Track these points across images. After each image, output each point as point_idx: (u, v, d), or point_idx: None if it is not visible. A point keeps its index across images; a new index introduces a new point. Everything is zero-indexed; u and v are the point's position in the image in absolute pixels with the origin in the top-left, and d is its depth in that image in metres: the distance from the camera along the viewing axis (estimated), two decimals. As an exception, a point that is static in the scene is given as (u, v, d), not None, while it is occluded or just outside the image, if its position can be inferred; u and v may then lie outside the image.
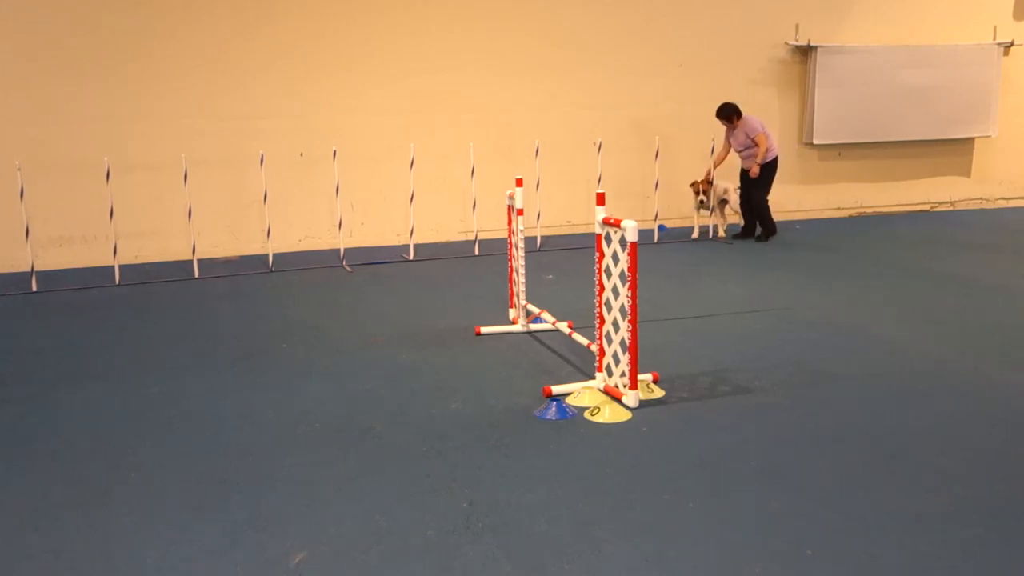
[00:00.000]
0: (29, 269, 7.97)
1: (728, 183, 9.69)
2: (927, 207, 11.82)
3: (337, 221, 9.05)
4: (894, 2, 11.18)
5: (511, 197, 5.75)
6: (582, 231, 10.32)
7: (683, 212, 10.19)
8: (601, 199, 4.45)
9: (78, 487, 3.53)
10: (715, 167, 9.61)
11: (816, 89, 10.86)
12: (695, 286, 7.22)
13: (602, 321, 4.45)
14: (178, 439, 4.04)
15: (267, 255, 8.77)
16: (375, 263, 8.72)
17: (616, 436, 3.93)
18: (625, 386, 4.26)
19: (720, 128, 9.54)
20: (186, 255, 8.75)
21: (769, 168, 9.26)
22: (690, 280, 7.49)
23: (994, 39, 11.49)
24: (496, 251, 8.94)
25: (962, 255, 8.36)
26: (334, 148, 8.76)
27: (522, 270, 5.75)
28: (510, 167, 9.44)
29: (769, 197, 9.42)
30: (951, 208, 11.91)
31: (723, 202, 9.76)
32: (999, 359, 4.93)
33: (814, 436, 3.86)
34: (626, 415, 4.14)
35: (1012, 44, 11.54)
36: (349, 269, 8.43)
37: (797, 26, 10.81)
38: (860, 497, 3.24)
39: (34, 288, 7.77)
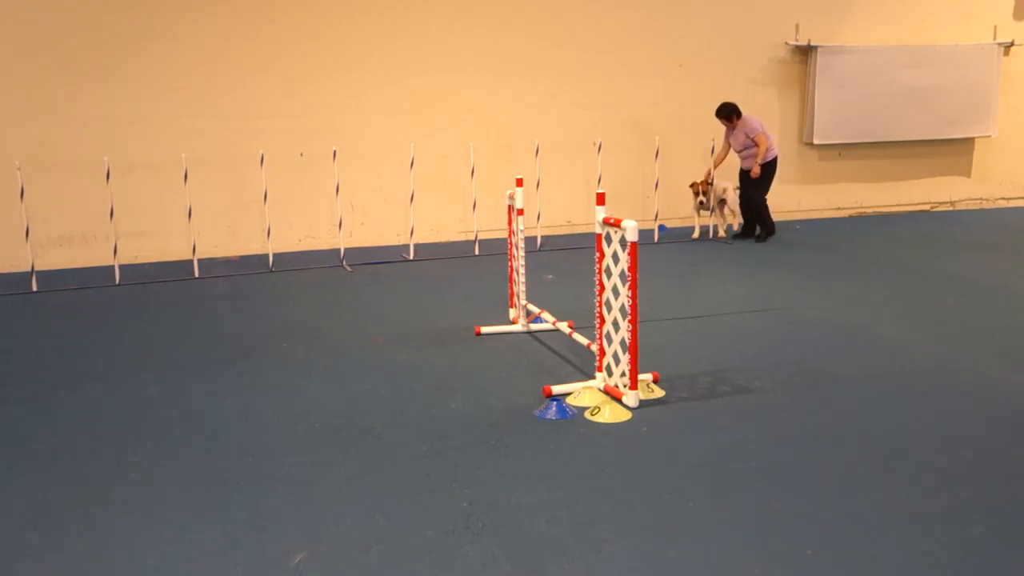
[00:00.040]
0: (29, 269, 7.97)
1: (727, 183, 9.69)
2: (927, 207, 11.82)
3: (337, 221, 9.05)
4: (894, 2, 11.18)
5: (511, 197, 5.75)
6: (582, 231, 10.31)
7: (683, 212, 10.19)
8: (601, 199, 4.45)
9: (78, 487, 3.53)
10: (715, 167, 9.61)
11: (816, 89, 10.86)
12: (695, 286, 7.22)
13: (602, 321, 4.45)
14: (178, 439, 4.04)
15: (267, 255, 8.77)
16: (375, 263, 8.72)
17: (616, 436, 3.93)
18: (625, 386, 4.26)
19: (720, 128, 9.54)
20: (186, 255, 8.75)
21: (769, 168, 9.26)
22: (690, 280, 7.49)
23: (994, 39, 11.49)
24: (496, 251, 8.94)
25: (962, 255, 8.36)
26: (334, 148, 8.76)
27: (522, 270, 5.75)
28: (510, 167, 9.44)
29: (769, 197, 9.42)
30: (951, 208, 11.91)
31: (721, 202, 9.76)
32: (999, 359, 4.93)
33: (814, 436, 3.86)
34: (626, 415, 4.14)
35: (1012, 44, 11.53)
36: (349, 269, 8.43)
37: (797, 26, 10.81)
38: (860, 497, 3.24)
39: (34, 288, 7.77)
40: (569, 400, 4.33)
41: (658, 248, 9.25)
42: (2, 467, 3.77)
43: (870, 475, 3.44)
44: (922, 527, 3.00)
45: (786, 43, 10.83)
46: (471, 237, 9.66)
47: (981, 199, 12.04)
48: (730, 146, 9.53)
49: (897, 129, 11.27)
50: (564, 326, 5.41)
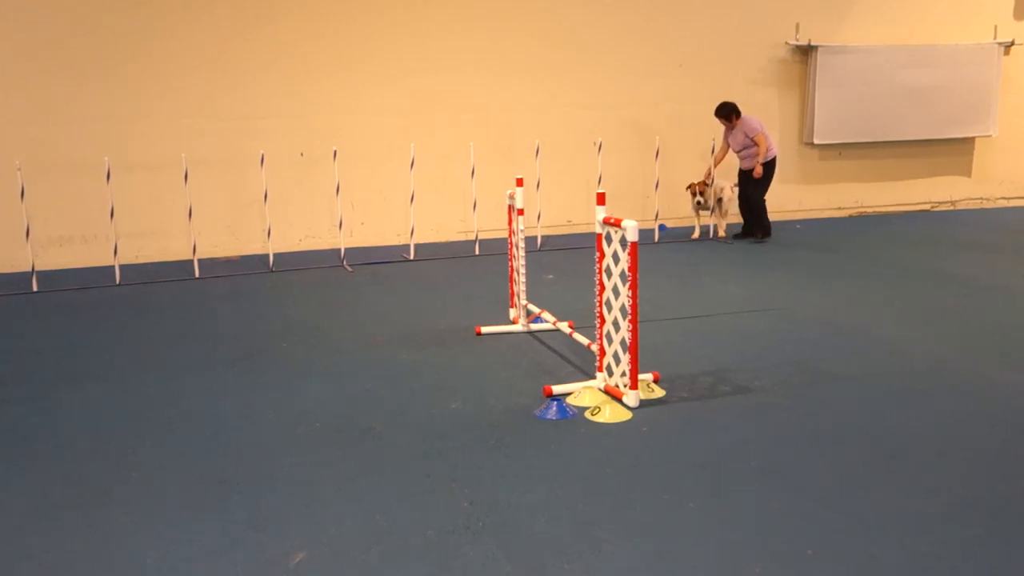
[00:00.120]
0: (30, 269, 7.97)
1: (725, 182, 9.69)
2: (927, 207, 11.82)
3: (337, 221, 9.05)
4: (894, 2, 11.18)
5: (511, 197, 5.75)
6: (582, 231, 10.32)
7: (683, 212, 10.19)
8: (601, 199, 4.45)
9: (78, 487, 3.54)
10: (715, 165, 9.60)
11: (816, 89, 10.86)
12: (695, 286, 7.22)
13: (602, 321, 4.45)
14: (178, 439, 4.04)
15: (267, 255, 8.78)
16: (375, 263, 8.72)
17: (616, 436, 3.93)
18: (625, 386, 4.26)
19: (720, 127, 9.54)
20: (186, 255, 8.75)
21: (768, 168, 9.25)
22: (690, 280, 7.49)
23: (994, 39, 11.49)
24: (496, 251, 8.94)
25: (962, 255, 8.36)
26: (334, 148, 8.76)
27: (522, 270, 5.75)
28: (510, 167, 9.44)
29: (769, 197, 9.42)
30: (951, 208, 11.91)
31: (719, 200, 9.75)
32: (999, 359, 4.93)
33: (814, 436, 3.86)
34: (626, 415, 4.14)
35: (1012, 44, 11.53)
36: (349, 269, 8.43)
37: (797, 26, 10.81)
38: (860, 497, 3.24)
39: (35, 288, 7.77)
40: (569, 400, 4.33)
41: (658, 248, 9.25)
42: (2, 467, 3.77)
43: (870, 475, 3.44)
44: (922, 527, 3.00)
45: (786, 43, 10.83)
46: (471, 237, 9.66)
47: (981, 199, 12.04)
48: (729, 146, 9.53)
49: (897, 129, 11.27)
50: (564, 326, 5.41)
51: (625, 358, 4.23)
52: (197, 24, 9.04)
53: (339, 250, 8.93)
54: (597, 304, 4.48)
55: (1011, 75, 11.64)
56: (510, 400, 4.42)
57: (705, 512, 3.15)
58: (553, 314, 5.74)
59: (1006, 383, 4.52)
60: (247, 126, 9.26)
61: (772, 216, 9.66)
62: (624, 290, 4.18)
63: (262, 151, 8.61)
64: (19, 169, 7.82)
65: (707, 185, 9.56)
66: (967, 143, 11.82)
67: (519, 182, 5.69)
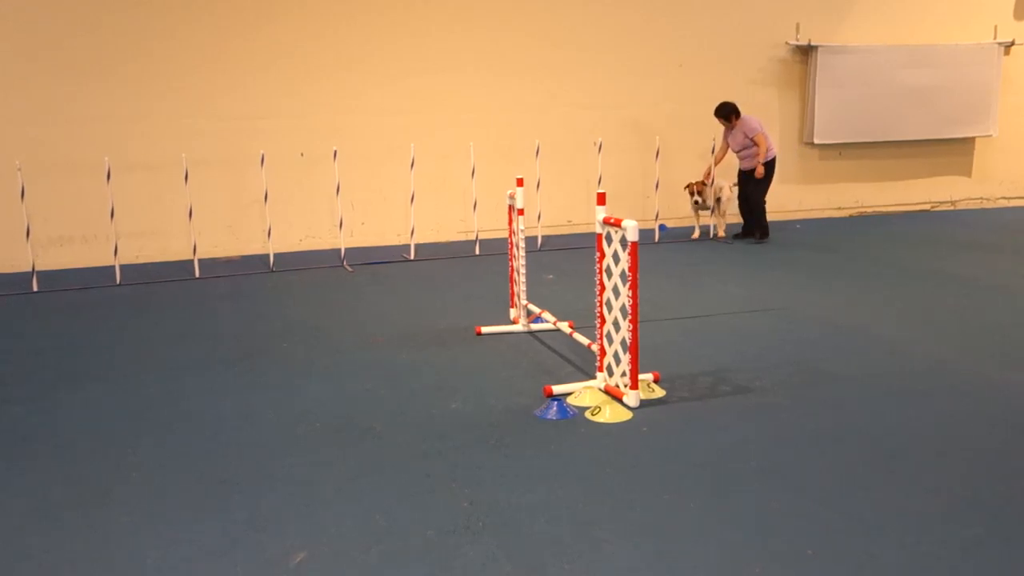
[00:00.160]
0: (30, 269, 7.97)
1: (724, 182, 9.69)
2: (928, 207, 11.82)
3: (338, 221, 9.05)
4: (894, 2, 11.18)
5: (512, 197, 5.75)
6: (582, 231, 10.31)
7: (683, 212, 10.19)
8: (602, 199, 4.45)
9: (78, 487, 3.54)
10: (716, 164, 9.59)
11: (817, 89, 10.86)
12: (695, 286, 7.22)
13: (603, 321, 4.45)
14: (178, 439, 4.04)
15: (268, 255, 8.78)
16: (375, 263, 8.72)
17: (616, 436, 3.93)
18: (626, 386, 4.26)
19: (720, 128, 9.53)
20: (187, 255, 8.75)
21: (767, 168, 9.24)
22: (690, 280, 7.49)
23: (995, 39, 11.49)
24: (496, 251, 8.94)
25: (962, 255, 8.36)
26: (334, 148, 8.76)
27: (523, 270, 5.75)
28: (510, 167, 9.44)
29: (769, 197, 9.41)
30: (952, 208, 11.91)
31: (717, 201, 9.75)
32: (999, 359, 4.93)
33: (814, 436, 3.86)
34: (627, 415, 4.14)
35: (1013, 44, 11.53)
36: (350, 269, 8.43)
37: (798, 26, 10.81)
38: (860, 497, 3.24)
39: (35, 288, 7.77)
40: (570, 400, 4.33)
41: (658, 248, 9.25)
42: (2, 467, 3.78)
43: (870, 475, 3.44)
44: (922, 527, 3.00)
45: (786, 43, 10.84)
46: (471, 237, 9.66)
47: (982, 199, 12.04)
48: (728, 146, 9.52)
49: (897, 129, 11.27)
50: (565, 326, 5.40)
51: (625, 358, 4.23)
52: (197, 24, 9.04)
53: (339, 250, 8.94)
54: (597, 304, 4.48)
55: (1011, 75, 11.64)
56: (510, 400, 4.42)
57: (705, 512, 3.15)
58: (553, 314, 5.74)
59: (1006, 383, 4.52)
60: (247, 126, 9.26)
61: (772, 216, 9.65)
62: (624, 290, 4.18)
63: (262, 151, 8.61)
64: (19, 169, 7.82)
65: (705, 185, 9.56)
66: (967, 143, 11.82)
67: (519, 182, 5.69)
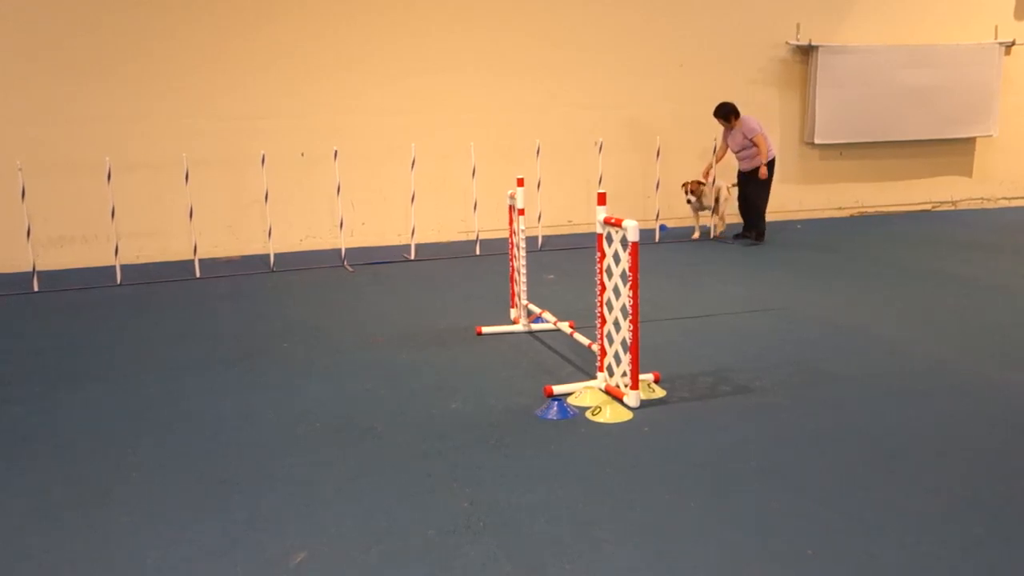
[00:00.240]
0: (30, 269, 7.97)
1: (723, 182, 9.68)
2: (928, 207, 11.82)
3: (338, 221, 9.05)
4: (895, 2, 11.17)
5: (512, 197, 5.75)
6: (583, 231, 10.31)
7: (683, 212, 10.18)
8: (602, 199, 4.45)
9: (78, 487, 3.54)
10: (716, 163, 9.59)
11: (817, 89, 10.86)
12: (696, 286, 7.22)
13: (603, 321, 4.45)
14: (178, 439, 4.04)
15: (268, 255, 8.78)
16: (376, 263, 8.72)
17: (617, 436, 3.93)
18: (626, 386, 4.26)
19: (721, 129, 9.52)
20: (187, 255, 8.75)
21: (767, 169, 9.21)
22: (690, 280, 7.49)
23: (995, 38, 11.48)
24: (497, 251, 8.94)
25: (963, 255, 8.36)
26: (335, 148, 8.76)
27: (523, 270, 5.75)
28: (510, 167, 9.44)
29: (770, 197, 9.40)
30: (952, 208, 11.91)
31: (716, 201, 9.74)
32: (999, 359, 4.93)
33: (814, 436, 3.86)
34: (627, 415, 4.14)
35: (1013, 43, 11.53)
36: (350, 269, 8.43)
37: (798, 26, 10.80)
38: (860, 497, 3.24)
39: (35, 288, 7.77)
40: (570, 400, 4.33)
41: (658, 248, 9.25)
42: (2, 467, 3.78)
43: (870, 475, 3.44)
44: (922, 527, 3.00)
45: (787, 43, 10.83)
46: (472, 237, 9.66)
47: (982, 199, 12.04)
48: (728, 146, 9.51)
49: (898, 129, 11.27)
50: (565, 326, 5.40)
51: (626, 358, 4.23)
52: (197, 24, 9.04)
53: (340, 250, 8.94)
54: (598, 304, 4.48)
55: (1012, 75, 11.64)
56: (510, 400, 4.42)
57: (705, 512, 3.15)
58: (554, 314, 5.74)
59: (1006, 383, 4.52)
60: (248, 126, 9.26)
61: (773, 216, 9.65)
62: (625, 290, 4.18)
63: (263, 151, 8.61)
64: (20, 169, 7.82)
65: (701, 184, 9.56)
66: (968, 143, 11.81)
67: (520, 182, 5.69)
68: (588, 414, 4.16)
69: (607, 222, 4.33)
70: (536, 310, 5.77)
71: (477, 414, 4.24)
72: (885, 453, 3.65)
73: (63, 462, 3.81)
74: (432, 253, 9.24)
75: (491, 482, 3.45)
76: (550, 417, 4.14)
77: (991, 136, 11.62)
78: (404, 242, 9.69)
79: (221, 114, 9.19)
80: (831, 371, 4.79)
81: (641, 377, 4.35)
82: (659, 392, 4.44)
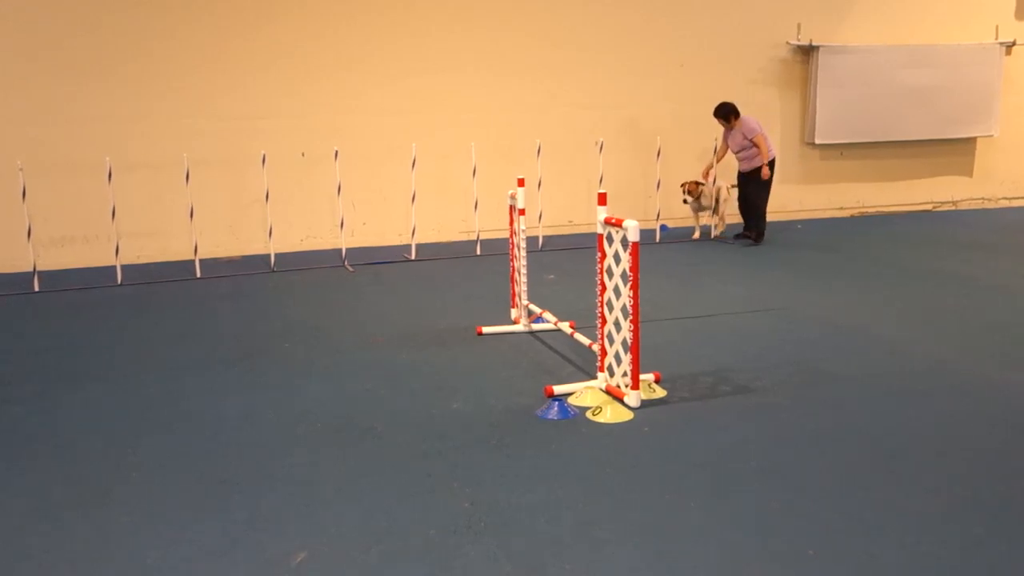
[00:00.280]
0: (31, 269, 7.98)
1: (723, 182, 9.68)
2: (929, 207, 11.82)
3: (339, 221, 9.05)
4: (896, 2, 11.17)
5: (513, 197, 5.75)
6: (583, 231, 10.31)
7: (684, 212, 10.18)
8: (603, 199, 4.45)
9: (78, 487, 3.54)
10: (716, 163, 9.58)
11: (818, 89, 10.86)
12: (696, 286, 7.22)
13: (604, 321, 4.45)
14: (178, 439, 4.04)
15: (269, 255, 8.78)
16: (377, 263, 8.72)
17: (617, 436, 3.93)
18: (627, 386, 4.26)
19: (721, 129, 9.52)
20: (188, 255, 8.75)
21: (761, 170, 9.18)
22: (691, 280, 7.49)
23: (996, 39, 11.48)
24: (497, 251, 8.94)
25: (963, 255, 8.35)
26: (335, 148, 8.76)
27: (524, 270, 5.75)
28: (511, 167, 9.44)
29: (770, 197, 9.39)
30: (953, 208, 11.90)
31: (716, 201, 9.73)
32: (999, 359, 4.93)
33: (814, 436, 3.86)
34: (628, 415, 4.14)
35: (1014, 44, 11.53)
36: (351, 269, 8.43)
37: (799, 26, 10.80)
38: (860, 497, 3.24)
39: (36, 288, 7.77)
40: (571, 400, 4.33)
41: (659, 248, 9.25)
42: (2, 467, 3.78)
43: (870, 475, 3.44)
44: (922, 527, 3.00)
45: (787, 43, 10.83)
46: (472, 237, 9.66)
47: (983, 199, 12.03)
48: (728, 147, 9.50)
49: (899, 129, 11.26)
50: (566, 326, 5.40)
51: (626, 358, 4.23)
52: (197, 24, 9.05)
53: (340, 250, 8.94)
54: (598, 304, 4.48)
55: (1012, 75, 11.64)
56: (511, 400, 4.42)
57: (706, 512, 3.15)
58: (554, 314, 5.74)
59: (1006, 383, 4.52)
60: (248, 126, 9.26)
61: (773, 216, 9.65)
62: (625, 290, 4.18)
63: (263, 151, 8.62)
64: (21, 169, 7.83)
65: (698, 185, 9.56)
66: (969, 143, 11.81)
67: (520, 182, 5.69)
68: (589, 414, 4.16)
69: (608, 222, 4.33)
70: (537, 310, 5.77)
71: (477, 414, 4.24)
72: (885, 453, 3.65)
73: (63, 462, 3.81)
74: (433, 253, 9.24)
75: (491, 482, 3.45)
76: (550, 417, 4.14)
77: (992, 136, 11.62)
78: (405, 242, 9.69)
79: (222, 114, 9.20)
80: (831, 371, 4.79)
81: (642, 377, 4.35)
82: (660, 392, 4.44)
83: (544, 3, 10.01)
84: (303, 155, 9.48)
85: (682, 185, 9.63)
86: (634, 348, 4.15)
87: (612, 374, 4.42)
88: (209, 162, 9.11)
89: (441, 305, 6.74)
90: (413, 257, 8.98)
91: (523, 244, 5.71)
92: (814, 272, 7.68)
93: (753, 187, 9.27)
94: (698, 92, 10.40)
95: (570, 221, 10.37)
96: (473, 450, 3.79)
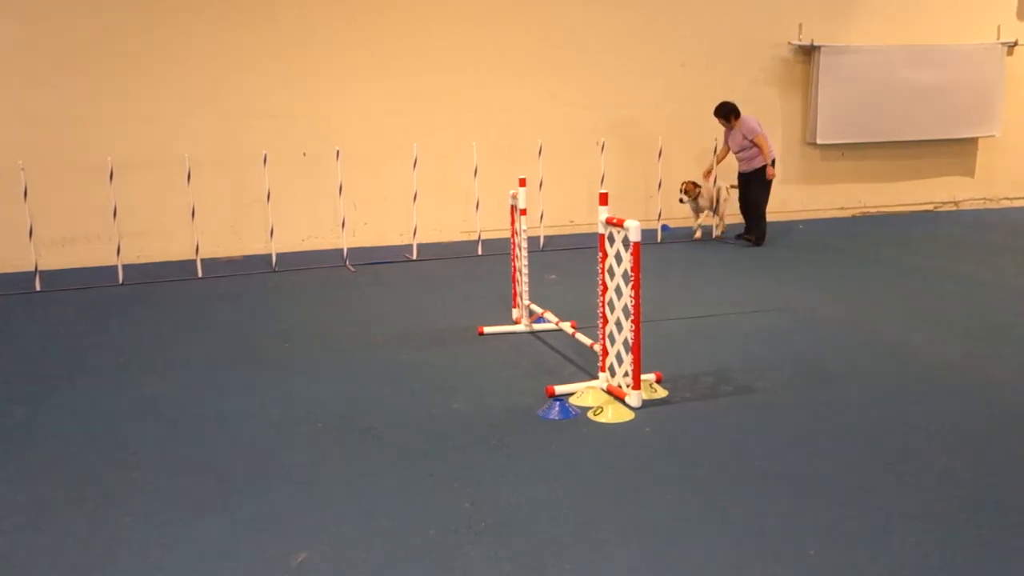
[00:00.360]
0: (32, 269, 7.98)
1: (723, 183, 9.67)
2: (931, 207, 11.80)
3: (340, 221, 9.05)
4: (897, 2, 11.16)
5: (514, 197, 5.75)
6: (585, 231, 10.30)
7: (684, 212, 10.16)
8: (604, 199, 4.44)
9: (78, 487, 3.54)
10: (717, 164, 9.57)
11: (819, 89, 10.84)
12: (697, 286, 7.22)
13: (605, 321, 4.45)
14: (179, 439, 4.04)
15: (270, 255, 8.78)
16: (378, 263, 8.72)
17: (619, 436, 3.93)
18: (628, 386, 4.26)
19: (722, 129, 9.51)
20: (189, 255, 8.75)
21: (765, 172, 9.16)
22: (692, 280, 7.48)
23: (998, 39, 11.46)
24: (498, 251, 8.94)
25: (965, 255, 8.35)
26: (336, 148, 8.76)
27: (525, 270, 5.75)
28: (511, 167, 9.42)
29: (771, 197, 9.37)
30: (955, 208, 11.89)
31: (717, 201, 9.72)
32: (999, 359, 4.92)
33: (815, 436, 3.85)
34: (629, 415, 4.14)
35: (1016, 44, 11.51)
36: (352, 269, 8.43)
37: (800, 26, 10.79)
38: (861, 497, 3.23)
39: (37, 288, 7.78)
40: (572, 400, 4.33)
41: (659, 248, 9.25)
42: (2, 467, 3.78)
43: (871, 475, 3.43)
44: (923, 527, 2.99)
45: (789, 43, 10.82)
46: (474, 237, 9.66)
47: (985, 199, 12.02)
48: (728, 148, 9.49)
49: (900, 129, 11.25)
50: (567, 326, 5.40)
51: (628, 358, 4.22)
52: (199, 24, 9.05)
53: (342, 250, 8.94)
54: (600, 304, 4.48)
55: (1014, 75, 11.62)
56: (512, 400, 4.42)
57: (706, 512, 3.15)
58: (556, 314, 5.73)
59: (1006, 383, 4.51)
60: (249, 126, 9.27)
61: (775, 216, 9.63)
62: (627, 290, 4.18)
63: (265, 151, 8.62)
64: (22, 169, 7.83)
65: (696, 185, 9.55)
66: (970, 143, 11.79)
67: (522, 182, 5.69)
68: (590, 414, 4.16)
69: (609, 222, 4.33)
70: (538, 310, 5.77)
71: (478, 414, 4.24)
72: (886, 453, 3.64)
73: (64, 462, 3.82)
74: (434, 253, 9.24)
75: (492, 482, 3.45)
76: (552, 417, 4.14)
77: (994, 136, 11.60)
78: (406, 242, 9.68)
79: (223, 114, 9.20)
80: (832, 371, 4.79)
81: (643, 377, 4.35)
82: (661, 392, 4.44)
83: (544, 3, 10.01)
84: (304, 155, 9.48)
85: (681, 185, 9.62)
86: (635, 348, 4.15)
87: (613, 374, 4.42)
88: (210, 162, 9.11)
89: (442, 305, 6.74)
90: (414, 257, 8.98)
91: (524, 244, 5.71)
92: (815, 272, 7.67)
93: (753, 188, 9.25)
94: (699, 92, 10.38)
95: (571, 221, 10.37)
96: (474, 450, 3.79)
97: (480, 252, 9.12)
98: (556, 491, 3.35)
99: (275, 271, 8.40)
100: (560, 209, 10.15)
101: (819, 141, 10.99)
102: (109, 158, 8.20)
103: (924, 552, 2.83)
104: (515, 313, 5.96)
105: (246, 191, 9.29)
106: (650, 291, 6.58)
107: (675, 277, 7.61)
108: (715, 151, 9.69)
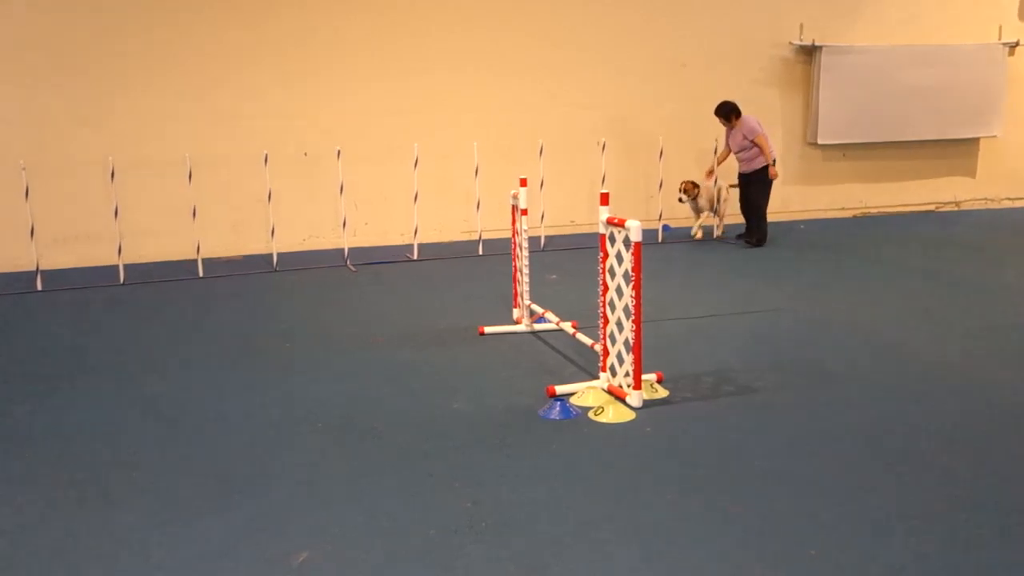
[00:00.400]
0: (34, 268, 7.98)
1: (723, 182, 9.66)
2: (932, 207, 11.79)
3: (341, 221, 9.05)
4: (898, 2, 11.15)
5: (515, 197, 5.75)
6: (585, 231, 10.30)
7: (685, 212, 10.16)
8: (605, 199, 4.44)
9: (78, 487, 3.54)
10: (718, 164, 9.56)
11: (820, 89, 10.84)
12: (697, 286, 7.22)
13: (606, 321, 4.45)
14: (179, 439, 4.05)
15: (271, 255, 8.78)
16: (378, 263, 8.72)
17: (619, 436, 3.93)
18: (629, 386, 4.26)
19: (723, 128, 9.50)
20: (190, 254, 8.75)
21: (764, 172, 9.14)
22: (692, 280, 7.48)
23: (999, 39, 11.45)
24: (499, 251, 8.93)
25: (965, 255, 8.34)
26: (337, 148, 8.76)
27: (526, 270, 5.75)
28: (511, 167, 9.41)
29: (772, 197, 9.36)
30: (956, 208, 11.88)
31: (717, 201, 9.71)
32: (999, 359, 4.92)
33: (815, 436, 3.85)
34: (630, 415, 4.14)
35: (1017, 44, 11.50)
36: (353, 269, 8.43)
37: (801, 26, 10.79)
38: (861, 497, 3.23)
39: (39, 287, 7.78)
40: (573, 400, 4.33)
41: (660, 248, 9.25)
42: (3, 467, 3.78)
43: (871, 475, 3.43)
44: (924, 527, 2.99)
45: (790, 43, 10.81)
46: (474, 237, 9.65)
47: (986, 199, 12.01)
48: (729, 148, 9.48)
49: (902, 129, 11.24)
50: (568, 326, 5.40)
51: (628, 358, 4.22)
52: (200, 24, 9.05)
53: (342, 250, 8.94)
54: (600, 304, 4.48)
55: (1016, 75, 11.60)
56: (512, 400, 4.42)
57: (707, 512, 3.15)
58: (556, 314, 5.73)
59: (1006, 383, 4.51)
60: (250, 126, 9.26)
61: (776, 217, 9.62)
62: (627, 290, 4.18)
63: (265, 151, 8.62)
64: (24, 169, 7.84)
65: (695, 185, 9.54)
66: (972, 144, 11.78)
67: (523, 182, 5.69)
68: (591, 414, 4.16)
69: (610, 222, 4.33)
70: (539, 310, 5.77)
71: (479, 414, 4.24)
72: (886, 453, 3.64)
73: (64, 461, 3.82)
74: (434, 253, 9.24)
75: (493, 482, 3.45)
76: (552, 417, 4.14)
77: (995, 136, 11.59)
78: (407, 242, 9.68)
79: (224, 114, 9.20)
80: (833, 371, 4.78)
81: (644, 377, 4.35)
82: (662, 392, 4.44)
83: (544, 3, 10.01)
84: (305, 155, 9.48)
85: (680, 184, 9.61)
86: (636, 348, 4.15)
87: (614, 374, 4.42)
88: (211, 162, 9.11)
89: (442, 305, 6.74)
90: (415, 257, 8.98)
91: (525, 244, 5.71)
92: (816, 272, 7.67)
93: (754, 188, 9.23)
94: (700, 92, 10.37)
95: (572, 221, 10.36)
96: (474, 450, 3.79)
97: (481, 252, 9.12)
98: (556, 491, 3.35)
99: (276, 271, 8.40)
100: (561, 209, 10.14)
101: (820, 141, 10.98)
102: (110, 158, 8.20)
103: (924, 552, 2.83)
104: (516, 313, 5.96)
105: (247, 191, 9.28)
106: (650, 291, 6.58)
107: (676, 277, 7.61)
108: (715, 151, 9.69)
